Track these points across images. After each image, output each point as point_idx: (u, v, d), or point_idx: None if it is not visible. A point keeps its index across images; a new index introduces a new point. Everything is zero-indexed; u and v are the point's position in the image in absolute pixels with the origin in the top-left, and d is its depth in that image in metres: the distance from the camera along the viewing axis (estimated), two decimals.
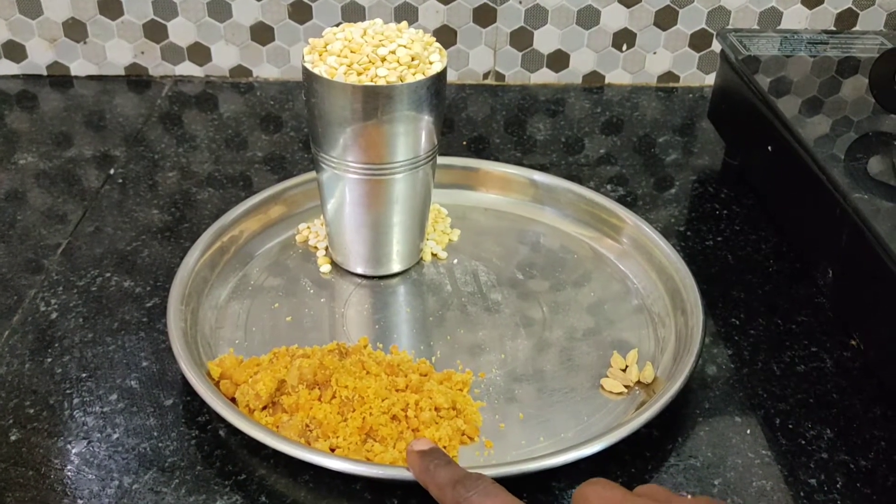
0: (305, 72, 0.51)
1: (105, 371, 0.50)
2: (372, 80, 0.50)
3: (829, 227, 0.54)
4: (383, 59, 0.51)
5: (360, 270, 0.59)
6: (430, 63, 0.52)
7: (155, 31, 0.84)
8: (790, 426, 0.48)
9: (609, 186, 0.70)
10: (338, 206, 0.56)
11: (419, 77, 0.51)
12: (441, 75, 0.52)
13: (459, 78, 0.87)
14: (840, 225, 0.52)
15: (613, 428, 0.44)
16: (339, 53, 0.51)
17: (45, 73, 0.86)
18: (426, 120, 0.52)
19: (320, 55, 0.52)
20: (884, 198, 0.52)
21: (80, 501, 0.43)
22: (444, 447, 0.45)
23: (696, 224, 0.66)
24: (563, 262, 0.61)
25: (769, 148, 0.62)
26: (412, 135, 0.52)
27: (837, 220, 0.52)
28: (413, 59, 0.51)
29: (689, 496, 0.34)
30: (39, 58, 0.85)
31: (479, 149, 0.76)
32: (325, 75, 0.50)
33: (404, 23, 0.54)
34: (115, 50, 0.85)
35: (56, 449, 0.45)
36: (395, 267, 0.59)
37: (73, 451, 0.45)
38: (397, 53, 0.51)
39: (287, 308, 0.56)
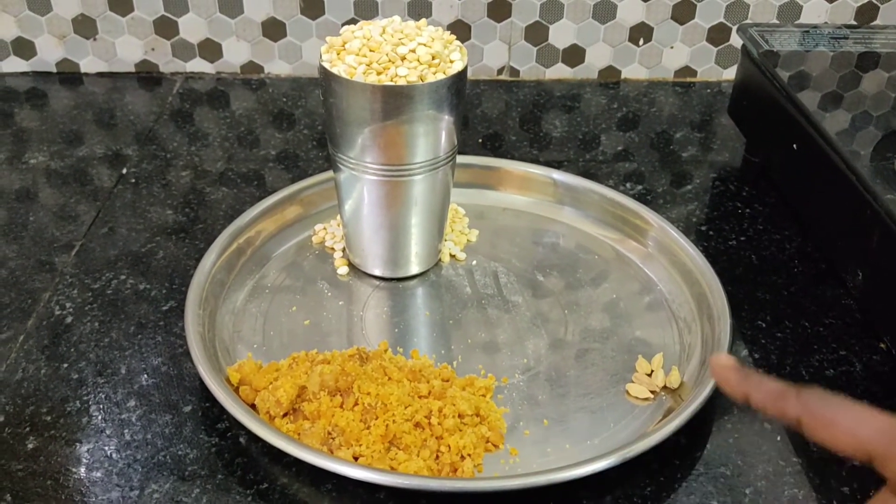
0: (323, 71, 0.50)
1: (122, 376, 0.50)
2: (392, 80, 0.49)
3: (859, 227, 0.53)
4: (403, 58, 0.49)
5: (377, 272, 0.58)
6: (451, 62, 0.51)
7: (165, 28, 0.83)
8: None
9: (628, 184, 0.69)
10: (356, 208, 0.55)
11: (440, 76, 0.49)
12: (462, 74, 0.51)
13: (473, 73, 0.86)
14: (870, 226, 0.51)
15: (642, 436, 0.43)
16: (358, 52, 0.50)
17: (54, 70, 0.85)
18: (446, 120, 0.51)
19: (338, 54, 0.51)
20: None
21: None
22: (469, 455, 0.44)
23: (718, 223, 0.64)
24: (585, 263, 0.60)
25: (794, 146, 0.61)
26: (432, 135, 0.51)
27: (868, 220, 0.51)
28: (433, 58, 0.50)
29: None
30: (49, 55, 0.84)
31: (495, 146, 0.75)
32: (343, 75, 0.49)
33: (423, 20, 0.53)
34: (125, 47, 0.84)
35: (74, 457, 0.44)
36: (414, 269, 0.58)
37: (92, 459, 0.44)
38: (417, 52, 0.50)
39: (304, 311, 0.55)
